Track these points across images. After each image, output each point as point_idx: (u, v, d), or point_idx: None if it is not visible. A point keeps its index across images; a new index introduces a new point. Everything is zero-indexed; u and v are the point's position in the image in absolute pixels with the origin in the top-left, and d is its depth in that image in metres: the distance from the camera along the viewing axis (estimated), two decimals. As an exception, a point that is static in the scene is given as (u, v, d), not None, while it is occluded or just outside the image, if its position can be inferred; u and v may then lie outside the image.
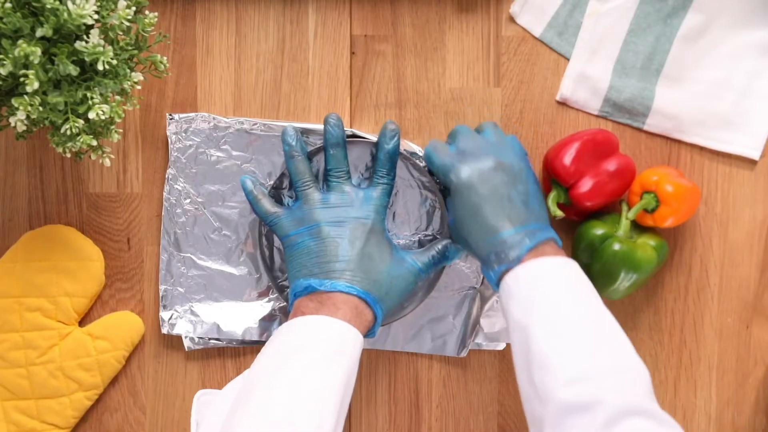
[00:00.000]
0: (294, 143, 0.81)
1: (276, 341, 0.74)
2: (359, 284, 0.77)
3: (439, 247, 0.83)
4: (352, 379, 0.72)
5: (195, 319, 0.87)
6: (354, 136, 0.85)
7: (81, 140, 0.73)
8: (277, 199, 0.85)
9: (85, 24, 0.70)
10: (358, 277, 0.77)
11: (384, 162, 0.82)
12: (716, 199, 0.89)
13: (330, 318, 0.74)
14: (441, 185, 0.85)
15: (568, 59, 0.88)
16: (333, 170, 0.81)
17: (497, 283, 0.77)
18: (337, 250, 0.78)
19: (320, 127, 0.85)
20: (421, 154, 0.86)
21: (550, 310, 0.72)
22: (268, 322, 0.88)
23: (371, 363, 0.90)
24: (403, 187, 0.87)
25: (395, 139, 0.82)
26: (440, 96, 0.89)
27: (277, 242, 0.87)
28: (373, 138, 0.85)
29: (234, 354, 0.89)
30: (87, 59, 0.71)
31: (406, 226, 0.87)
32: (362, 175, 0.86)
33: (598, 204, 0.84)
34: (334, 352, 0.72)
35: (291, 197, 0.86)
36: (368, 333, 0.78)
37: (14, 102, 0.70)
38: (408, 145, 0.87)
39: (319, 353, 0.72)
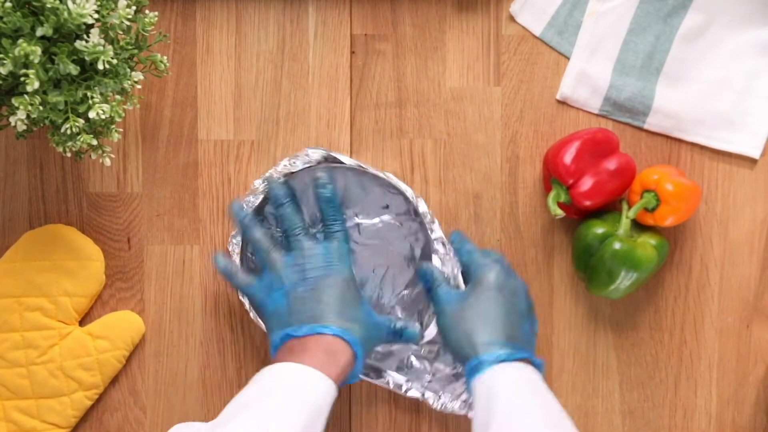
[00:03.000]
0: (242, 215, 0.83)
1: (242, 391, 0.73)
2: (335, 324, 0.76)
3: (398, 325, 0.82)
4: (316, 426, 0.70)
5: None
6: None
7: (81, 139, 0.73)
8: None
9: (85, 23, 0.70)
10: (333, 318, 0.77)
11: (327, 210, 0.83)
12: (716, 198, 0.89)
13: (292, 364, 0.72)
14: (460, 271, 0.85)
15: (568, 58, 0.88)
16: (288, 229, 0.82)
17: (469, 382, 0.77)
18: (310, 302, 0.78)
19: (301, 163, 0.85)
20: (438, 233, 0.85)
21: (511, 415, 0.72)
22: None
23: (372, 362, 0.90)
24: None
25: (327, 187, 0.83)
26: (440, 95, 0.89)
27: None
28: (368, 167, 0.85)
29: (234, 353, 0.89)
30: (87, 58, 0.71)
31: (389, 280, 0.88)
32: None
33: (599, 203, 0.84)
34: (294, 400, 0.70)
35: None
36: (350, 376, 0.77)
37: (14, 101, 0.70)
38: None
39: (276, 402, 0.70)
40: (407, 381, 0.87)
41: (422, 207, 0.85)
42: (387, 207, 0.86)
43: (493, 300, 0.80)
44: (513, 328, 0.79)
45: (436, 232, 0.85)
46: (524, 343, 0.80)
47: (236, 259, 0.85)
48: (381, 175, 0.84)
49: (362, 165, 0.85)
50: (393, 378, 0.87)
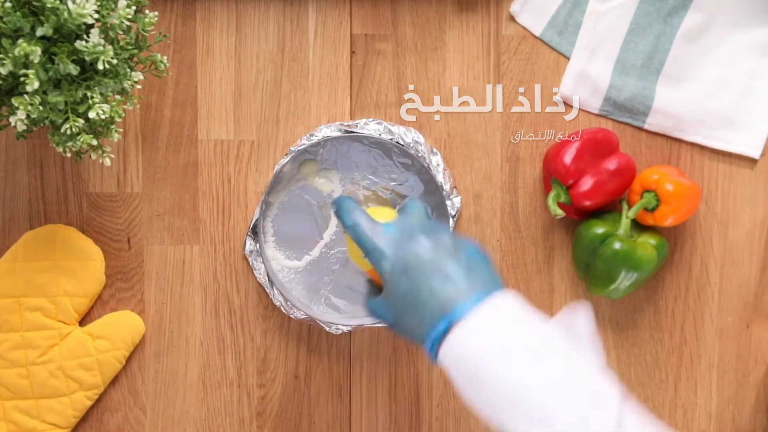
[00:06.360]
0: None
1: None
2: None
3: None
4: None
5: None
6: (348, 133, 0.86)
7: (81, 140, 0.73)
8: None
9: (85, 23, 0.70)
10: None
11: None
12: (716, 198, 0.89)
13: None
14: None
15: (568, 58, 0.88)
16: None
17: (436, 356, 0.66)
18: None
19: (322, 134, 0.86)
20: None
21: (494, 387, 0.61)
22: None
23: (372, 362, 0.90)
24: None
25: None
26: (440, 95, 0.89)
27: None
28: (369, 134, 0.85)
29: (234, 353, 0.89)
30: (87, 59, 0.71)
31: None
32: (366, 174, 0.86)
33: (599, 203, 0.84)
34: None
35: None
36: None
37: (14, 101, 0.70)
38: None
39: None
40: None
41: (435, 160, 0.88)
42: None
43: (405, 287, 0.66)
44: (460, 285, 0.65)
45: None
46: (490, 288, 0.65)
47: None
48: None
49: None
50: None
